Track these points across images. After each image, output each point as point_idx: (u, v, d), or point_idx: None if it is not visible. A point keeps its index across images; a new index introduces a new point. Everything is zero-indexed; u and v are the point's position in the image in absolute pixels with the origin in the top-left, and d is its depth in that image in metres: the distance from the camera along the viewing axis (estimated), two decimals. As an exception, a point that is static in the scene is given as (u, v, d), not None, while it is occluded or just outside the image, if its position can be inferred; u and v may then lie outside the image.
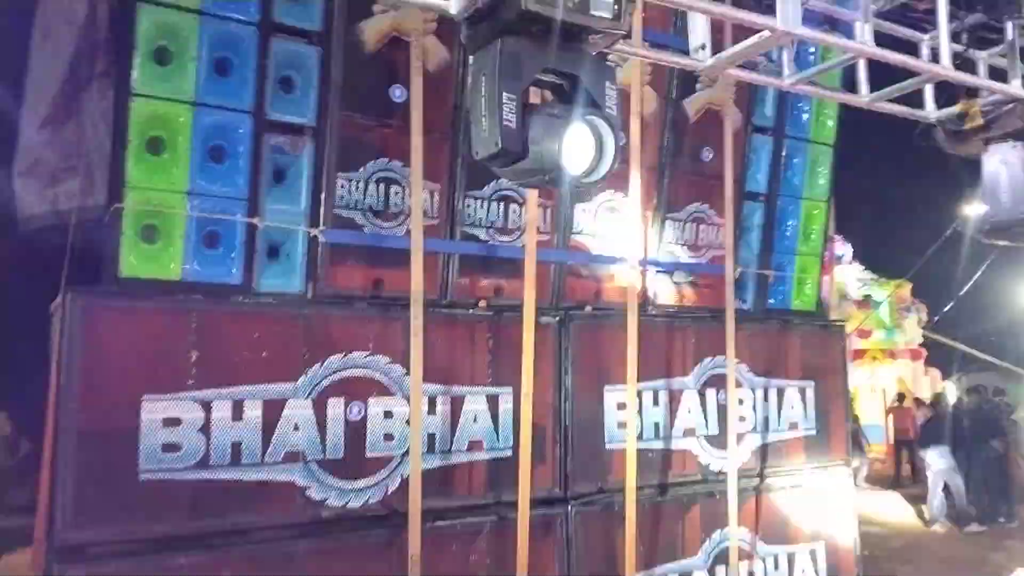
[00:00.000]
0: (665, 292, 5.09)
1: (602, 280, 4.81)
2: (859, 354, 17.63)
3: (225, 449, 3.49)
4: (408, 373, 3.78)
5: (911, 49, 3.93)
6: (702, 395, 5.01)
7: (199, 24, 3.59)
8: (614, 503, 4.40)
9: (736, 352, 4.91)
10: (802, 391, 5.52)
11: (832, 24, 3.99)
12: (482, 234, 4.39)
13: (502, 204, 4.43)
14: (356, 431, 3.81)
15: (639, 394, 4.56)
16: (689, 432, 4.92)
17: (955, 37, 3.78)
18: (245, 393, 3.55)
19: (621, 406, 4.55)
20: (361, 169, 4.01)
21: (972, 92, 3.83)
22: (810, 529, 5.38)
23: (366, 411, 3.84)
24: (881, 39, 3.49)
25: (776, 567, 5.18)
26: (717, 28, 3.26)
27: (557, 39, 2.36)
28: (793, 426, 5.45)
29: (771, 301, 5.59)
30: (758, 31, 2.92)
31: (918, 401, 15.72)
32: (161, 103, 3.54)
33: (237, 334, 3.60)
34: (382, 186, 4.07)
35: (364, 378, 3.85)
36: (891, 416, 15.48)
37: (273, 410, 3.61)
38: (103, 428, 3.29)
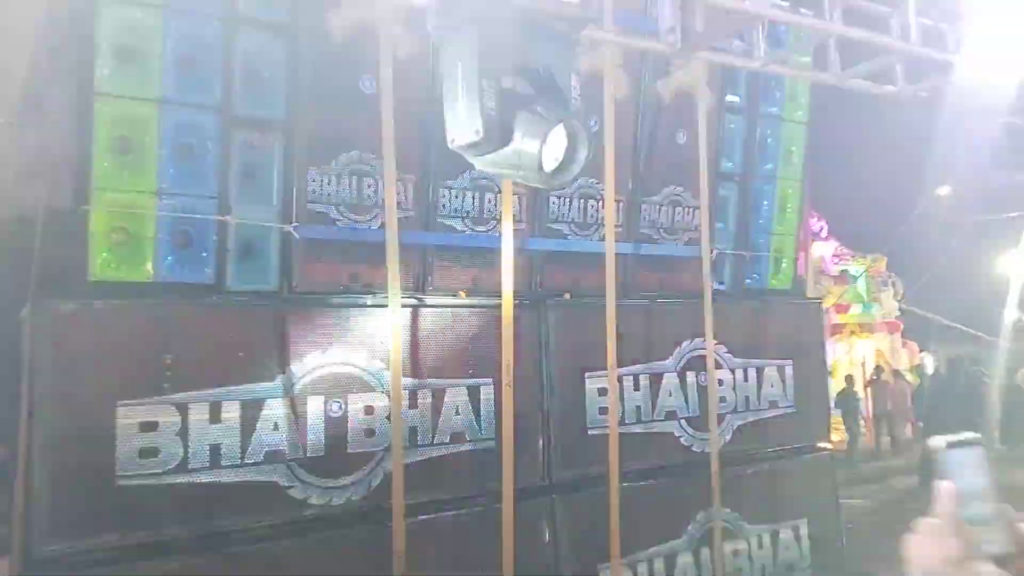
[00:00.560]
0: (643, 276, 5.10)
1: (579, 267, 4.80)
2: (837, 328, 17.81)
3: (204, 452, 3.45)
4: (388, 367, 3.75)
5: (882, 25, 3.95)
6: (682, 377, 5.03)
7: (162, 20, 3.51)
8: (598, 489, 4.41)
9: (715, 333, 4.92)
10: (781, 369, 5.56)
11: (802, 2, 3.99)
12: (458, 224, 4.37)
13: (477, 194, 4.40)
14: (337, 428, 3.78)
15: (620, 379, 4.57)
16: (671, 415, 4.95)
17: (924, 11, 3.80)
18: (222, 394, 3.51)
19: (602, 392, 4.56)
20: (333, 162, 3.96)
21: (944, 67, 3.84)
22: (793, 506, 5.43)
23: (346, 407, 3.81)
24: (851, 16, 3.50)
25: (760, 546, 5.23)
26: (688, 10, 3.24)
27: (526, 26, 2.34)
28: (773, 404, 5.49)
29: (748, 281, 5.62)
30: (729, 12, 2.91)
31: (896, 373, 15.94)
32: (126, 102, 3.47)
33: (212, 334, 3.55)
34: (355, 179, 4.02)
35: (343, 374, 3.82)
36: (869, 389, 15.68)
37: (251, 410, 3.57)
38: (78, 434, 3.23)
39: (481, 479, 4.13)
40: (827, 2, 3.18)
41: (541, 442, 4.42)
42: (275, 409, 3.63)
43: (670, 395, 4.97)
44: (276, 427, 3.63)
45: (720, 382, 5.14)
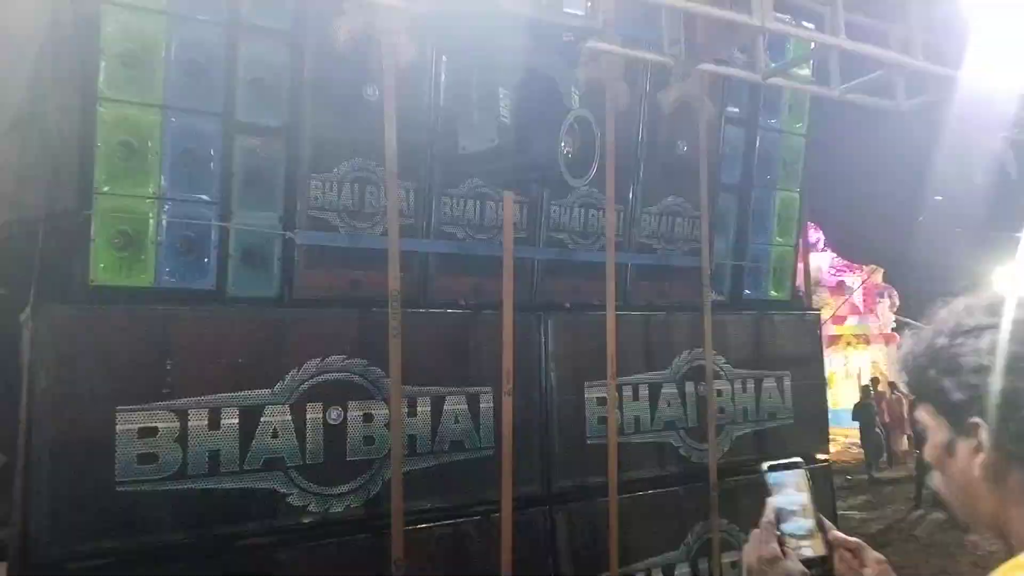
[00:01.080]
0: (643, 286, 5.11)
1: (580, 276, 4.81)
2: (834, 340, 17.85)
3: (203, 458, 3.44)
4: (387, 375, 3.75)
5: (882, 40, 3.97)
6: (681, 388, 5.03)
7: (166, 26, 3.53)
8: (597, 499, 4.40)
9: (714, 344, 4.93)
10: (779, 381, 5.56)
11: (803, 15, 4.01)
12: (459, 232, 4.37)
13: (478, 202, 4.40)
14: (336, 435, 3.78)
15: (619, 389, 4.57)
16: (669, 425, 4.95)
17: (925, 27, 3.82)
18: (222, 401, 3.50)
19: (601, 401, 4.56)
20: (335, 169, 3.97)
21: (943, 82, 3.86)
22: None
23: (345, 415, 3.81)
24: (852, 30, 3.52)
25: (758, 557, 5.21)
26: (690, 22, 3.26)
27: (532, 37, 2.36)
28: (771, 415, 5.49)
29: (747, 292, 5.63)
30: (731, 25, 2.93)
31: (892, 385, 15.96)
32: (129, 107, 3.48)
33: (212, 341, 3.55)
34: (357, 186, 4.03)
35: (343, 381, 3.82)
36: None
37: (251, 417, 3.57)
38: (77, 440, 3.22)
39: (480, 488, 4.12)
40: (828, 16, 3.20)
41: (540, 451, 4.41)
42: (274, 416, 3.62)
43: (669, 405, 4.97)
44: (275, 434, 3.62)
45: (719, 393, 5.14)
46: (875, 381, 16.27)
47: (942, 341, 1.07)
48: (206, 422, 3.46)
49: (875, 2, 3.81)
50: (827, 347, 15.12)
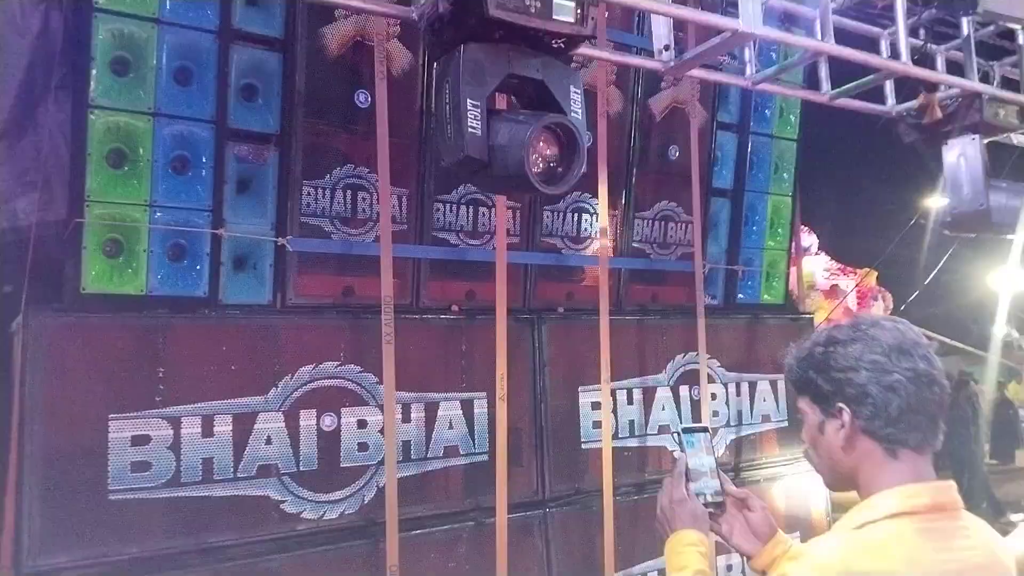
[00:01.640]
0: (636, 290, 5.12)
1: (573, 281, 4.82)
2: (828, 343, 17.79)
3: (196, 466, 3.43)
4: (381, 381, 3.75)
5: (871, 45, 4.00)
6: (675, 391, 5.04)
7: (157, 33, 3.52)
8: (592, 503, 4.41)
9: (708, 347, 4.95)
10: (773, 384, 5.58)
11: (793, 21, 4.03)
12: (452, 238, 4.38)
13: (471, 208, 4.41)
14: (329, 442, 3.77)
15: (613, 393, 4.58)
16: (664, 429, 4.95)
17: (913, 32, 3.85)
18: (215, 408, 3.49)
19: (596, 405, 4.56)
20: (327, 176, 3.97)
21: (931, 86, 3.89)
22: (785, 519, 5.44)
23: (339, 421, 3.80)
24: (841, 35, 3.53)
25: (753, 560, 5.22)
26: (681, 27, 3.27)
27: (521, 44, 2.36)
28: (766, 419, 5.51)
29: (741, 296, 5.65)
30: (721, 31, 2.94)
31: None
32: (120, 114, 3.47)
33: (205, 348, 3.54)
34: (349, 193, 4.03)
35: (336, 388, 3.81)
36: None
37: (244, 424, 3.56)
38: (69, 448, 3.21)
39: (475, 493, 4.12)
40: (818, 22, 3.21)
41: (535, 456, 4.41)
42: (267, 423, 3.62)
43: (663, 409, 4.97)
44: (268, 441, 3.62)
45: (713, 396, 5.15)
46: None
47: (818, 349, 1.44)
48: (199, 429, 3.46)
49: (864, 7, 3.84)
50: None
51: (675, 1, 3.10)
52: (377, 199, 3.90)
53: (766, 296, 5.76)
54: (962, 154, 3.92)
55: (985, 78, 3.88)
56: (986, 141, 4.10)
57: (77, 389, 3.26)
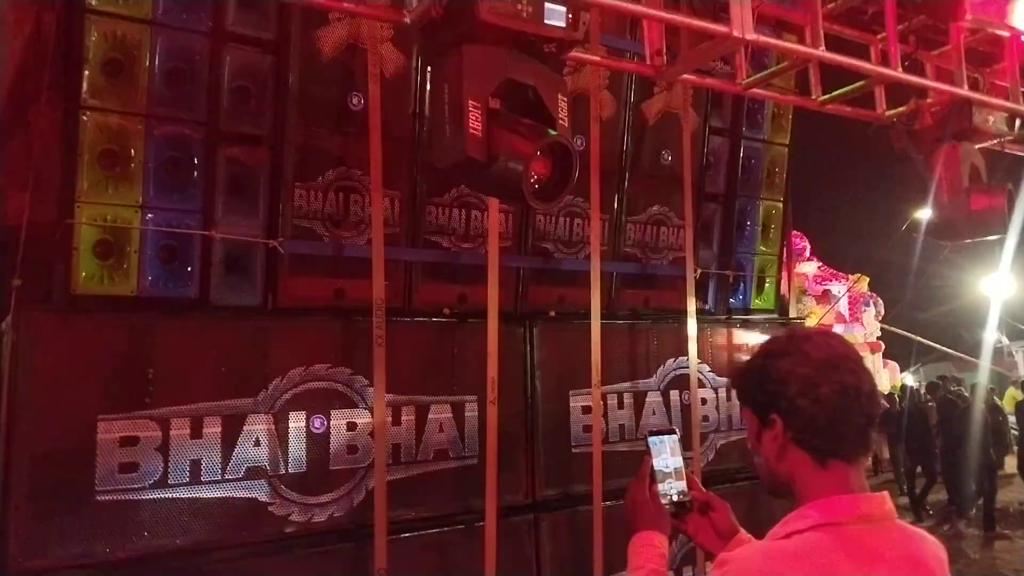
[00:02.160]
0: (628, 295, 5.13)
1: (565, 284, 4.83)
2: (820, 348, 17.85)
3: (184, 467, 3.42)
4: (371, 384, 3.74)
5: (862, 50, 4.02)
6: (666, 396, 5.05)
7: (150, 34, 3.52)
8: (581, 507, 4.40)
9: (699, 352, 4.96)
10: (764, 389, 5.58)
11: (784, 25, 4.06)
12: (444, 241, 4.38)
13: (463, 211, 4.42)
14: (319, 444, 3.76)
15: (604, 397, 4.58)
16: (655, 432, 4.94)
17: (903, 38, 3.87)
18: (204, 410, 3.48)
19: (586, 409, 4.57)
20: (320, 178, 3.97)
21: (921, 93, 3.92)
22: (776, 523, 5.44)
23: (329, 424, 3.79)
24: (832, 41, 3.56)
25: (743, 564, 5.23)
26: (673, 32, 3.29)
27: (513, 48, 2.37)
28: (756, 424, 5.51)
29: (732, 301, 5.67)
30: (714, 38, 2.96)
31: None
32: (112, 116, 3.47)
33: (195, 350, 3.53)
34: (341, 195, 4.03)
35: (326, 390, 3.81)
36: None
37: (233, 426, 3.55)
38: (57, 449, 3.20)
39: (465, 497, 4.12)
40: (808, 29, 3.23)
41: (525, 460, 4.41)
42: (257, 425, 3.61)
43: (654, 413, 4.98)
44: (258, 443, 3.61)
45: (703, 401, 5.16)
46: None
47: (757, 361, 1.51)
48: (188, 431, 3.45)
49: (855, 13, 3.86)
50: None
51: (667, 4, 3.12)
52: (369, 201, 3.90)
53: (757, 301, 5.78)
54: (945, 161, 3.95)
55: (975, 85, 3.90)
56: (977, 147, 4.14)
57: (66, 389, 3.24)
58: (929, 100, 3.87)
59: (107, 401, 3.30)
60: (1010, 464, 12.56)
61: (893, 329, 18.80)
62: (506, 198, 3.60)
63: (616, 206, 4.99)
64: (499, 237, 4.17)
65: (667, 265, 5.26)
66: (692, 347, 4.89)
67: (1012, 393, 16.28)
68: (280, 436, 3.66)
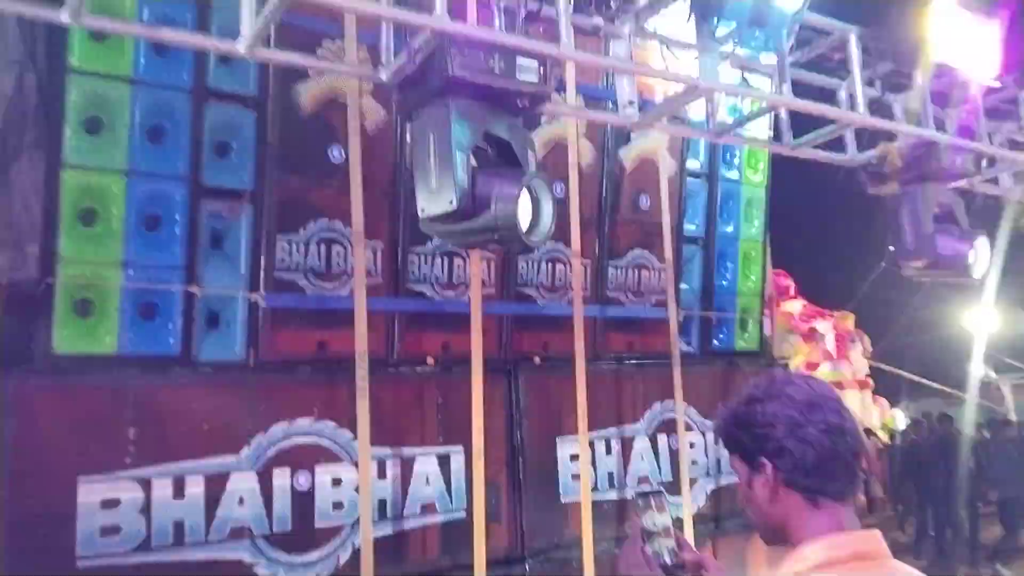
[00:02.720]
0: (612, 339, 5.13)
1: (549, 330, 4.83)
2: (808, 387, 17.80)
3: (167, 529, 3.36)
4: (356, 437, 3.71)
5: (830, 96, 4.12)
6: (654, 441, 5.03)
7: (131, 92, 3.55)
8: (571, 558, 4.35)
9: (684, 395, 4.95)
10: (752, 430, 5.56)
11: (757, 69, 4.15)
12: (427, 290, 4.39)
13: (446, 259, 4.43)
14: (304, 501, 3.71)
15: (591, 443, 4.56)
16: (643, 479, 4.92)
17: (870, 83, 3.97)
18: (186, 469, 3.44)
19: (574, 457, 4.54)
20: (301, 231, 3.98)
21: (889, 136, 4.00)
22: (767, 569, 5.38)
23: (313, 480, 3.75)
24: (800, 87, 3.64)
25: (737, 611, 5.16)
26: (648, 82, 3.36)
27: (487, 103, 2.42)
28: (745, 466, 5.48)
29: (715, 343, 5.68)
30: (685, 87, 3.02)
31: (868, 431, 16.00)
32: (93, 173, 3.47)
33: (176, 407, 3.50)
34: (323, 247, 4.04)
35: (310, 445, 3.77)
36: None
37: (216, 485, 3.50)
38: (37, 513, 3.14)
39: (452, 551, 4.06)
40: (776, 76, 3.31)
41: (513, 512, 4.36)
42: (240, 483, 3.56)
43: (642, 459, 4.95)
44: (241, 502, 3.55)
45: (691, 445, 5.14)
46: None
47: (741, 408, 1.50)
48: (170, 491, 3.39)
49: (822, 61, 3.96)
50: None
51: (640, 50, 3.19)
52: (351, 253, 3.91)
53: (741, 342, 5.80)
54: (910, 202, 4.02)
55: (941, 126, 3.99)
56: (950, 187, 4.22)
57: (46, 451, 3.20)
58: (898, 143, 3.95)
59: (88, 462, 3.25)
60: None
61: (881, 365, 18.84)
62: (489, 243, 3.62)
63: (597, 251, 5.03)
64: (481, 284, 4.18)
65: (650, 308, 5.28)
66: (678, 390, 4.89)
67: None
68: (264, 494, 3.61)
